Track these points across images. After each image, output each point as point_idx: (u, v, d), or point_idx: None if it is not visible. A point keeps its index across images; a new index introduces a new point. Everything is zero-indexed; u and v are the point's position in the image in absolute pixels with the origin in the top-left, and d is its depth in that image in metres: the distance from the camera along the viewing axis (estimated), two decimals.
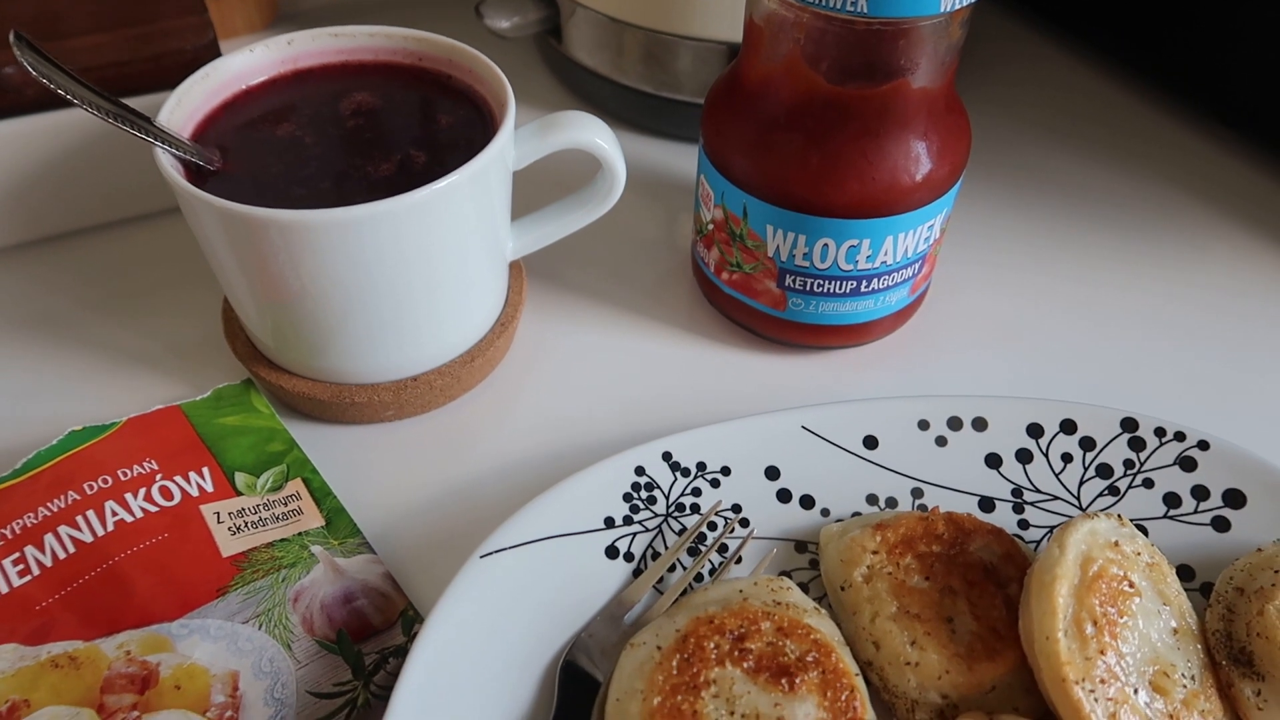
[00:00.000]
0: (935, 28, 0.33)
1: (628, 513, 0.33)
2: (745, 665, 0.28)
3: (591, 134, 0.36)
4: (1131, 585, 0.28)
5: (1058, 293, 0.45)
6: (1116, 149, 0.52)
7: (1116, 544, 0.29)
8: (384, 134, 0.36)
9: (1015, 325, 0.43)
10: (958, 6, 0.31)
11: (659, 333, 0.42)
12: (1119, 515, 0.31)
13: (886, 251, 0.37)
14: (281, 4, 0.60)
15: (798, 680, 0.27)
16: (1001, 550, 0.31)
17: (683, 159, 0.51)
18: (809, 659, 0.28)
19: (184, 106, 0.35)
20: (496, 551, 0.30)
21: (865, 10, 0.31)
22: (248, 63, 0.37)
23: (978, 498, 0.34)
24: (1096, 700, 0.26)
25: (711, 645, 0.28)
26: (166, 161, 0.32)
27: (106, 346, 0.40)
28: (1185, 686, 0.27)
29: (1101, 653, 0.27)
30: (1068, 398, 0.39)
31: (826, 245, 0.37)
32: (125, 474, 0.33)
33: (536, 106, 0.54)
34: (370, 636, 0.31)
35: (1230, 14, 0.49)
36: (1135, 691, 0.27)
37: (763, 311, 0.40)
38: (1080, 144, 0.53)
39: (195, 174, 0.34)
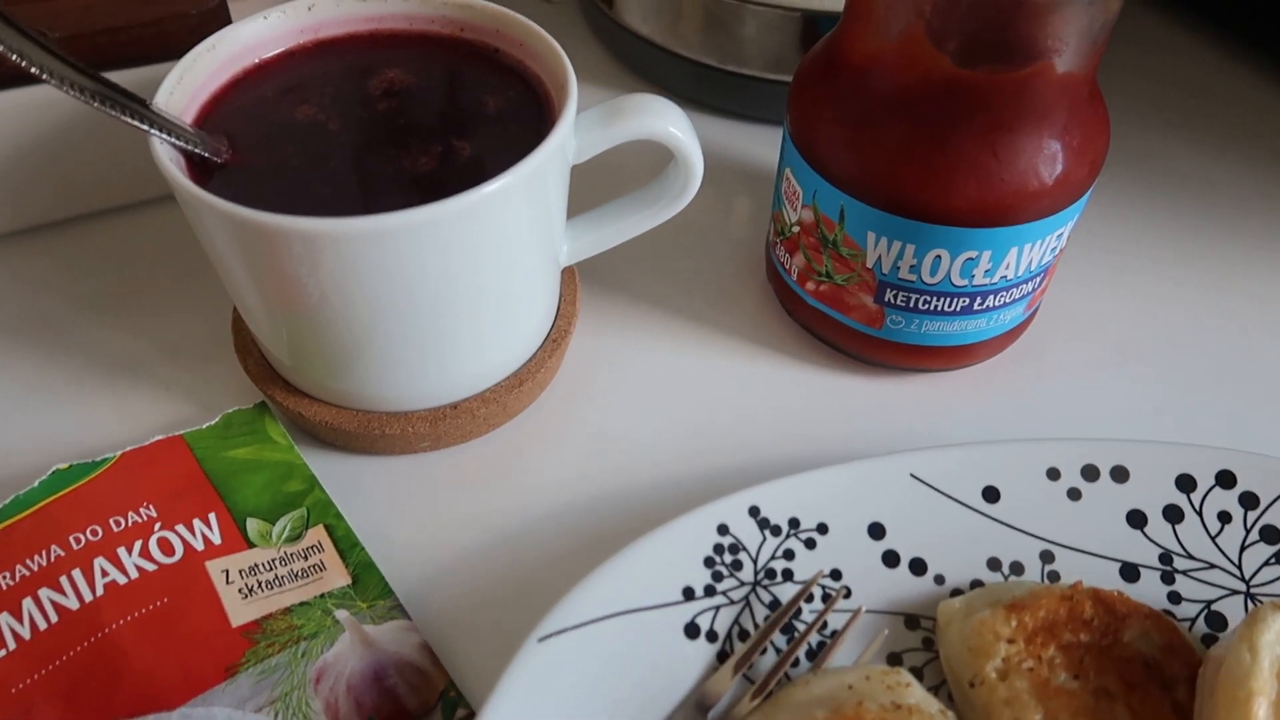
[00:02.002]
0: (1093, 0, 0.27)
1: (709, 581, 0.28)
2: None
3: (665, 122, 0.30)
4: None
5: (1195, 304, 0.39)
6: (1263, 142, 0.46)
7: None
8: (421, 119, 0.30)
9: (1143, 343, 0.37)
10: None
11: (729, 347, 0.37)
12: None
13: (1008, 265, 0.32)
14: None
15: None
16: (1162, 640, 0.26)
17: (751, 142, 0.45)
18: None
19: (186, 85, 0.29)
20: (557, 633, 0.25)
21: None
22: (261, 31, 0.31)
23: (1119, 564, 0.29)
24: None
25: None
26: (165, 154, 0.27)
27: (99, 355, 0.35)
28: None
29: None
30: (1214, 435, 0.34)
31: (939, 257, 0.31)
32: (119, 523, 0.28)
33: (582, 78, 0.48)
34: None
35: None
36: None
37: (855, 329, 0.34)
38: (1219, 136, 0.46)
39: (199, 167, 0.28)
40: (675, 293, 0.39)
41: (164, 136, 0.27)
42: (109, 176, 0.39)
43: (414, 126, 0.30)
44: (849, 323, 0.34)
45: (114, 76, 0.35)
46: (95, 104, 0.26)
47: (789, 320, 0.38)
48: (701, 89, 0.46)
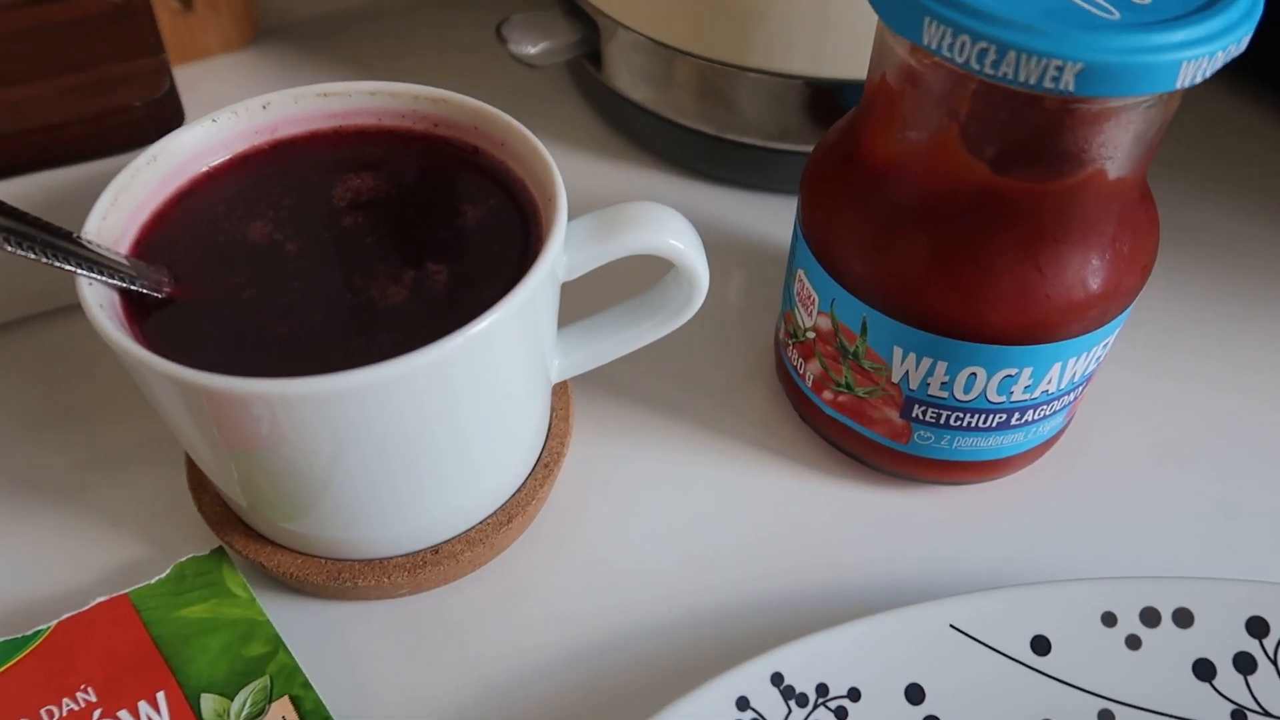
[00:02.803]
0: (1155, 104, 0.24)
1: None
2: None
3: (667, 235, 0.27)
4: None
5: (1249, 392, 0.36)
6: None
7: None
8: (391, 237, 0.27)
9: (1192, 439, 0.34)
10: (1199, 79, 0.22)
11: (738, 455, 0.34)
12: None
13: (1050, 380, 0.28)
14: (264, 18, 0.51)
15: None
16: None
17: (754, 213, 0.42)
18: None
19: (122, 207, 0.26)
20: None
21: (1070, 89, 0.22)
22: (210, 135, 0.28)
23: None
24: None
25: None
26: (93, 299, 0.23)
27: (34, 485, 0.32)
28: None
29: None
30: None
31: (974, 375, 0.28)
32: (51, 714, 0.25)
33: (572, 145, 0.45)
34: None
35: None
36: None
37: (878, 442, 0.31)
38: (1271, 214, 0.43)
39: (136, 305, 0.25)
40: (676, 392, 0.35)
41: (94, 276, 0.23)
42: (35, 277, 0.36)
43: (384, 246, 0.27)
44: (871, 436, 0.31)
45: (53, 176, 0.32)
46: (9, 248, 0.22)
47: (803, 424, 0.34)
48: (697, 158, 0.43)
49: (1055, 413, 0.30)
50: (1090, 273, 0.27)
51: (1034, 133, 0.24)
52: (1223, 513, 0.32)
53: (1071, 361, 0.28)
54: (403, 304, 0.25)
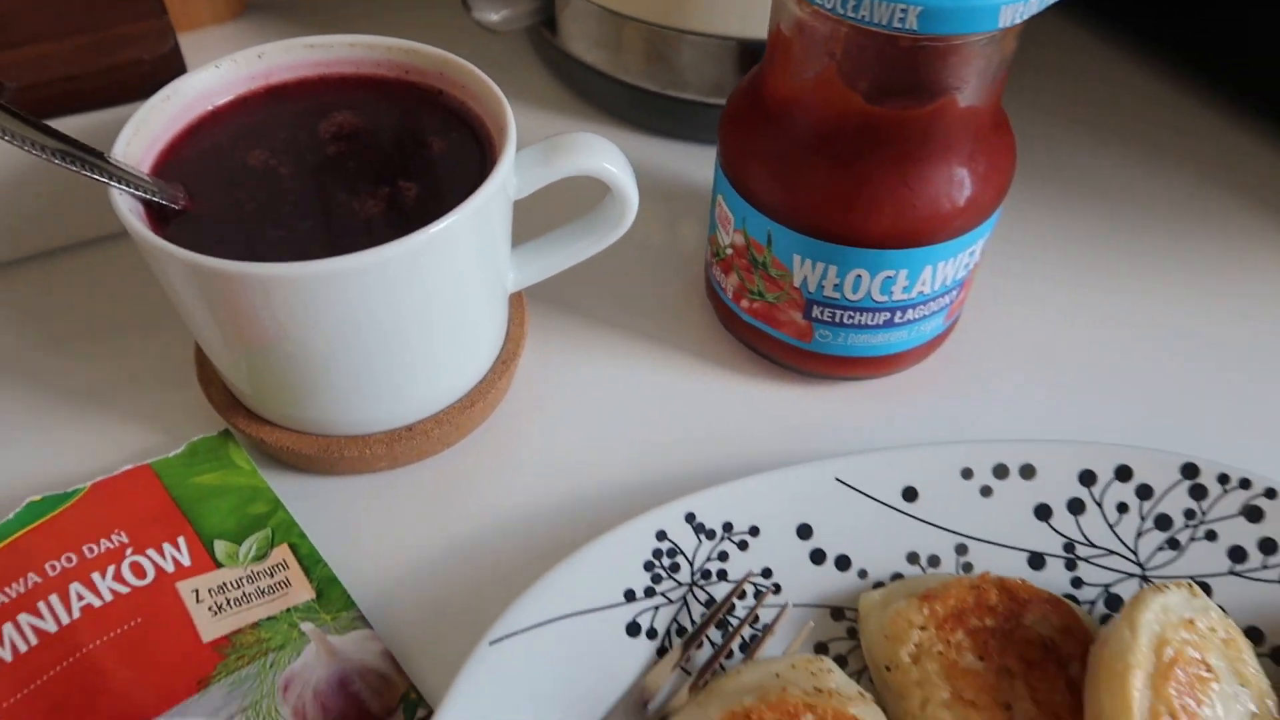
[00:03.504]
0: (989, 42, 0.29)
1: (649, 584, 0.30)
2: None
3: (601, 159, 0.33)
4: (1209, 669, 0.26)
5: (1101, 311, 0.41)
6: (1170, 152, 0.49)
7: (1191, 621, 0.27)
8: (369, 162, 0.32)
9: (1054, 349, 0.40)
10: (1019, 20, 0.28)
11: (672, 361, 0.39)
12: (1190, 584, 0.28)
13: (924, 281, 0.34)
14: None
15: None
16: (1060, 622, 0.29)
17: (691, 162, 0.48)
18: None
19: (142, 136, 0.31)
20: (507, 637, 0.28)
21: (915, 27, 0.27)
22: (213, 80, 0.33)
23: (1027, 554, 0.32)
24: None
25: None
26: (124, 205, 0.28)
27: (66, 392, 0.37)
28: None
29: None
30: (1116, 434, 0.36)
31: (860, 276, 0.34)
32: (91, 550, 0.30)
33: (530, 104, 0.51)
34: None
35: None
36: None
37: (786, 342, 0.37)
38: (1129, 147, 0.49)
39: (157, 215, 0.30)
40: (620, 312, 0.41)
41: (122, 188, 0.29)
42: (69, 214, 0.41)
43: (362, 170, 0.32)
44: (781, 337, 0.37)
45: (72, 122, 0.37)
46: (56, 161, 0.28)
47: (727, 335, 0.40)
48: (644, 113, 0.49)
49: (933, 313, 0.36)
50: (951, 188, 0.32)
51: (894, 67, 0.30)
52: (1074, 405, 0.38)
53: (941, 265, 0.34)
54: (380, 214, 0.31)
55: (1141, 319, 0.41)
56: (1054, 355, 0.40)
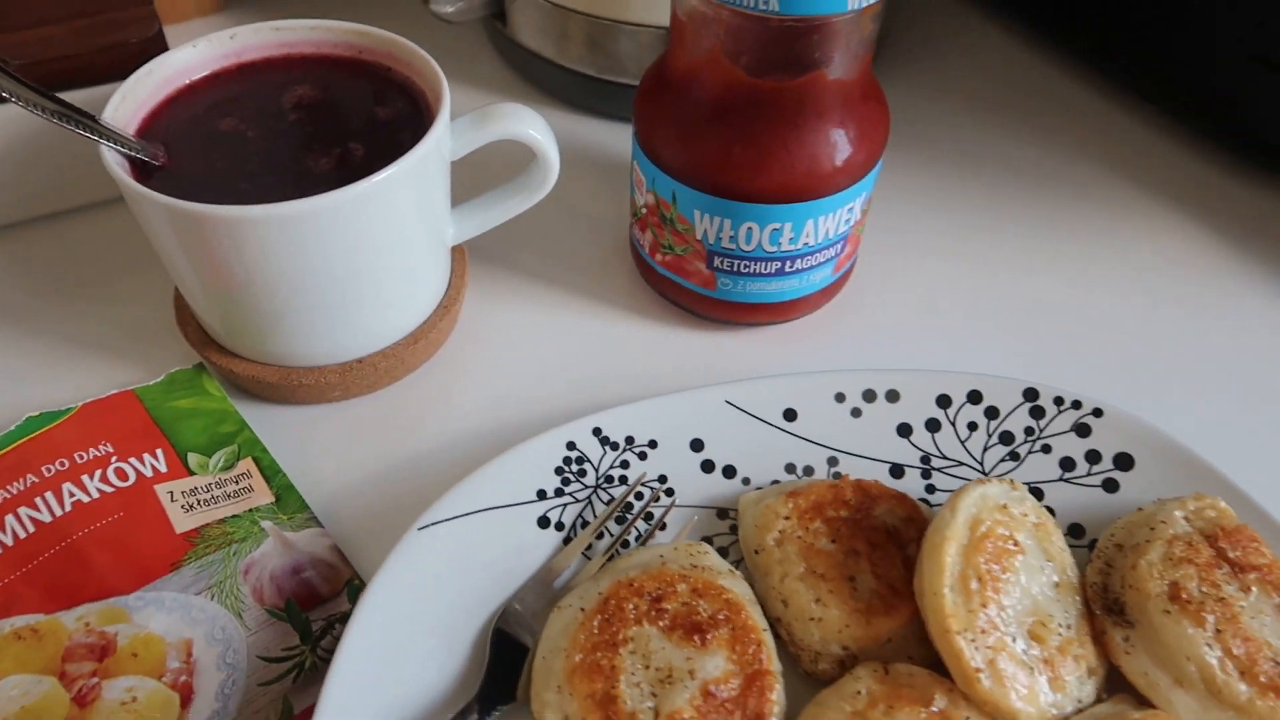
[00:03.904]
0: (847, 23, 0.35)
1: (559, 485, 0.35)
2: (661, 624, 0.30)
3: (525, 125, 0.38)
4: (1016, 544, 0.31)
5: (978, 269, 0.47)
6: (1044, 125, 0.54)
7: (1005, 506, 0.32)
8: (325, 127, 0.37)
9: (935, 302, 0.45)
10: (867, 4, 0.33)
11: (598, 312, 0.44)
12: (1011, 480, 0.33)
13: (808, 234, 0.39)
14: None
15: (709, 636, 0.30)
16: (904, 514, 0.34)
17: (626, 139, 0.53)
18: (720, 616, 0.30)
19: (129, 102, 0.36)
20: (433, 524, 0.33)
21: (776, 9, 0.33)
22: (191, 57, 0.38)
23: (889, 465, 0.37)
24: (976, 648, 0.29)
25: (631, 606, 0.30)
26: (112, 159, 0.34)
27: (61, 334, 0.42)
28: (1061, 635, 0.30)
29: (984, 606, 0.29)
30: (981, 367, 0.42)
31: (751, 229, 0.39)
32: (82, 457, 0.35)
33: (484, 89, 0.56)
34: (317, 605, 0.33)
35: None
36: (1013, 640, 0.29)
37: (695, 291, 0.42)
38: (1009, 121, 0.55)
39: (141, 170, 0.35)
40: (556, 268, 0.46)
41: (111, 145, 0.34)
42: (62, 182, 0.46)
43: (319, 133, 0.37)
44: (690, 286, 0.42)
45: (69, 95, 0.42)
46: (55, 120, 0.33)
47: (647, 288, 0.45)
48: (585, 96, 0.54)
49: (821, 264, 0.41)
50: (826, 150, 0.37)
51: (767, 45, 0.35)
52: (950, 347, 0.43)
53: (822, 220, 0.39)
54: (331, 169, 0.36)
55: (1011, 274, 0.47)
56: (932, 307, 0.45)
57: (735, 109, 0.37)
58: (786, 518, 0.33)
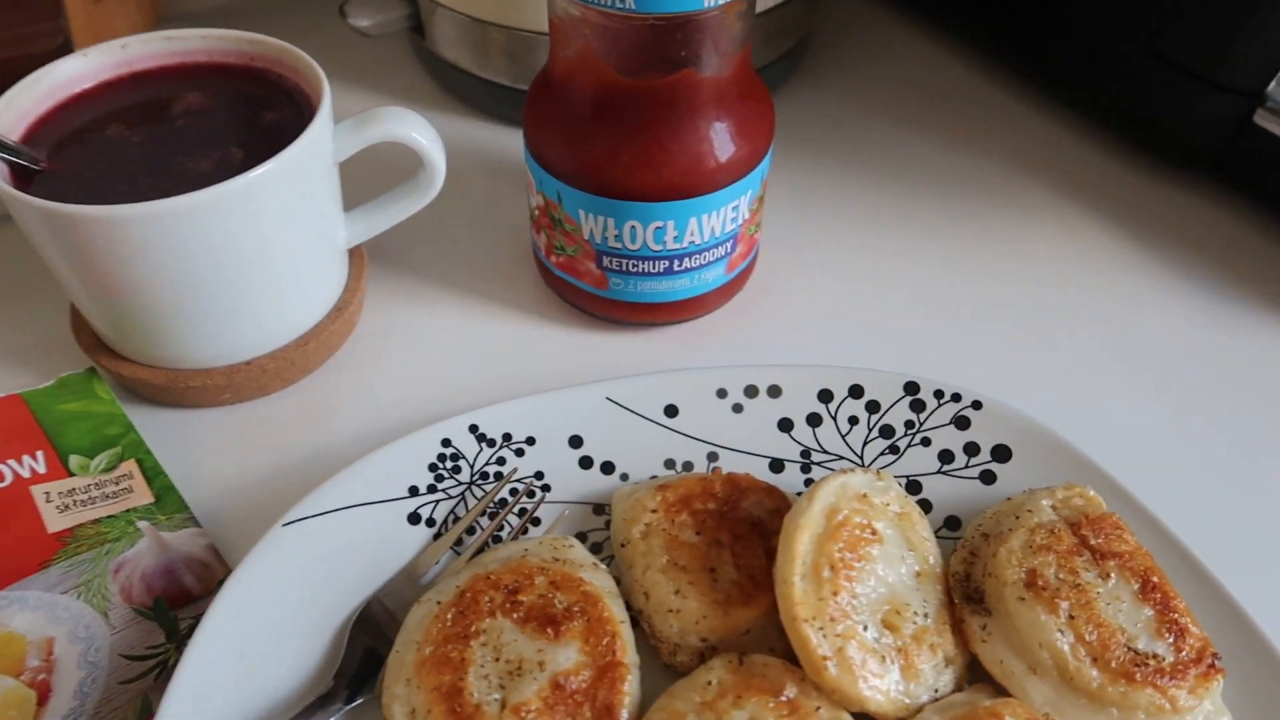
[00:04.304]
0: (712, 21, 0.35)
1: (432, 481, 0.35)
2: (515, 616, 0.30)
3: (408, 128, 0.38)
4: (874, 533, 0.31)
5: (883, 269, 0.47)
6: (962, 126, 0.55)
7: (865, 495, 0.32)
8: (209, 132, 0.38)
9: (836, 301, 0.45)
10: (720, 2, 0.34)
11: (500, 315, 0.45)
12: (877, 470, 0.33)
13: (693, 232, 0.39)
14: (164, 6, 0.62)
15: (563, 628, 0.30)
16: (772, 506, 0.33)
17: None
18: (576, 609, 0.30)
19: (11, 111, 0.37)
20: (299, 520, 0.33)
21: (633, 7, 0.33)
22: (80, 67, 0.39)
23: (768, 460, 0.37)
24: (825, 636, 0.28)
25: (486, 599, 0.30)
26: None
27: None
28: (916, 623, 0.30)
29: (835, 594, 0.29)
30: (873, 361, 0.41)
31: (634, 228, 0.39)
32: None
33: (405, 101, 0.56)
34: (189, 604, 0.33)
35: None
36: (864, 628, 0.29)
37: (588, 291, 0.42)
38: (926, 123, 0.55)
39: (21, 175, 0.35)
40: (464, 274, 0.46)
41: None
42: None
43: (202, 138, 0.38)
44: (583, 286, 0.42)
45: None
46: None
47: (548, 290, 0.45)
48: (503, 106, 0.54)
49: (711, 263, 0.41)
50: (702, 149, 0.38)
51: (633, 44, 0.35)
52: (846, 351, 0.43)
53: (706, 218, 0.39)
54: (209, 171, 0.36)
55: (912, 270, 0.47)
56: (831, 308, 0.45)
57: (610, 109, 0.37)
58: (654, 510, 0.33)
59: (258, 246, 0.36)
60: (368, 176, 0.44)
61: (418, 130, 0.38)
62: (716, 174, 0.38)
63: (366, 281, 0.43)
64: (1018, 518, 0.32)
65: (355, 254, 0.43)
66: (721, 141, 0.38)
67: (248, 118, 0.39)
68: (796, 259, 0.47)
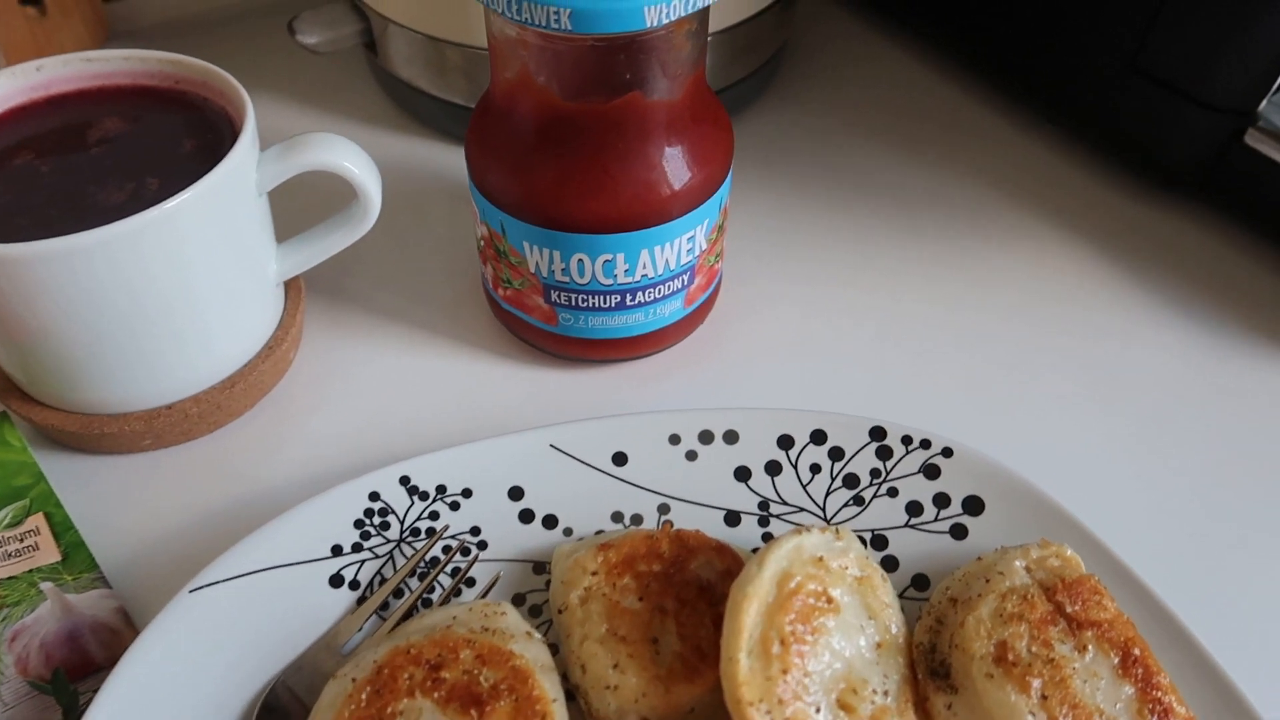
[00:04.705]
0: (659, 41, 0.33)
1: (358, 540, 0.32)
2: (436, 695, 0.27)
3: (338, 156, 0.36)
4: (830, 601, 0.28)
5: (845, 302, 0.44)
6: (943, 148, 0.52)
7: (821, 559, 0.29)
8: (125, 160, 0.35)
9: (804, 337, 0.43)
10: (666, 21, 0.31)
11: (448, 350, 0.42)
12: (836, 529, 0.30)
13: (645, 265, 0.37)
14: (114, 22, 0.60)
15: (488, 709, 0.27)
16: (723, 567, 0.31)
17: None
18: (503, 687, 0.28)
19: None
20: (207, 585, 0.30)
21: (569, 27, 0.31)
22: None
23: (724, 511, 0.34)
24: None
25: (406, 676, 0.28)
26: None
27: None
28: (874, 703, 0.27)
29: (785, 672, 0.27)
30: (836, 407, 0.39)
31: (582, 260, 0.36)
32: None
33: (359, 120, 0.54)
34: (92, 674, 0.31)
35: (1043, 11, 0.49)
36: (816, 710, 0.27)
37: (538, 326, 0.40)
38: (905, 144, 0.52)
39: None
40: (413, 307, 0.44)
41: None
42: None
43: (117, 167, 0.35)
44: (533, 321, 0.40)
45: None
46: None
47: (496, 322, 0.43)
48: (454, 123, 0.52)
49: (666, 297, 0.39)
50: (652, 177, 0.35)
51: (574, 66, 0.33)
52: (813, 389, 0.41)
53: (659, 250, 0.37)
54: (122, 203, 0.34)
55: (885, 302, 0.44)
56: (797, 343, 0.42)
57: (554, 134, 0.35)
58: (594, 573, 0.31)
59: (179, 283, 0.34)
60: (309, 203, 0.42)
61: (349, 158, 0.36)
62: (669, 203, 0.36)
63: (304, 316, 0.41)
64: (988, 581, 0.30)
65: (292, 286, 0.41)
66: (674, 168, 0.35)
67: (168, 145, 0.36)
68: (761, 291, 0.44)
